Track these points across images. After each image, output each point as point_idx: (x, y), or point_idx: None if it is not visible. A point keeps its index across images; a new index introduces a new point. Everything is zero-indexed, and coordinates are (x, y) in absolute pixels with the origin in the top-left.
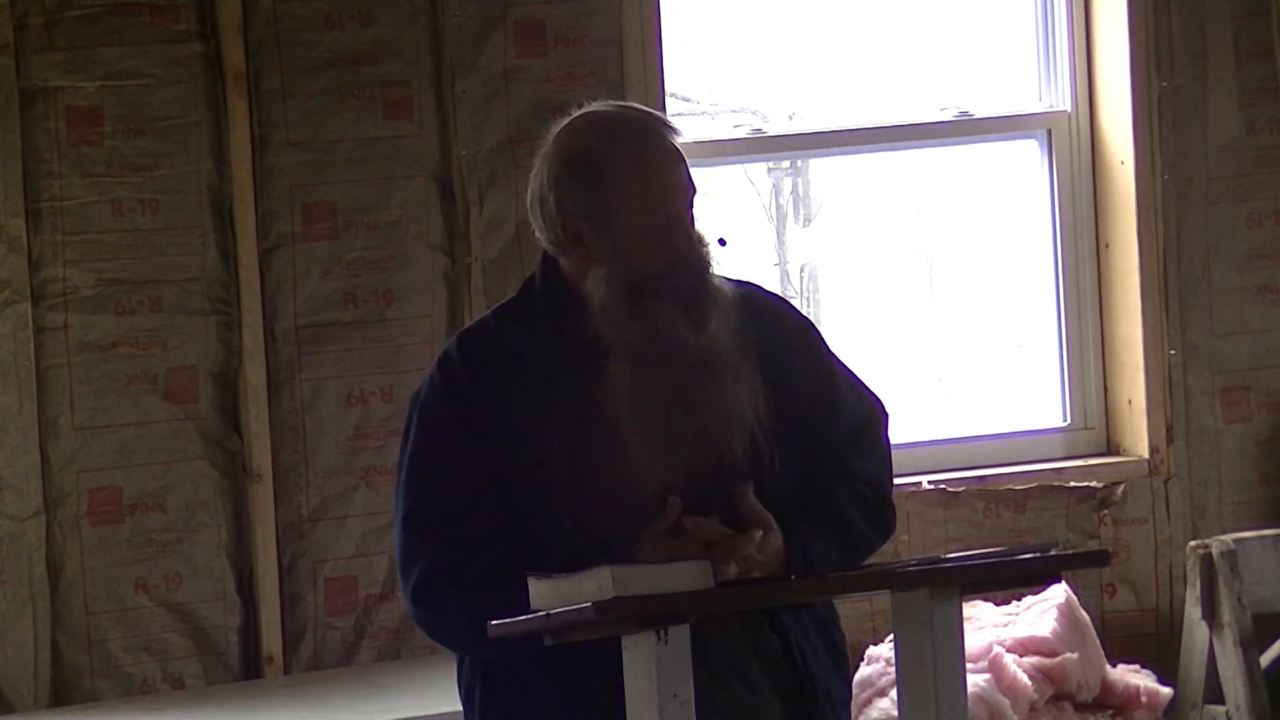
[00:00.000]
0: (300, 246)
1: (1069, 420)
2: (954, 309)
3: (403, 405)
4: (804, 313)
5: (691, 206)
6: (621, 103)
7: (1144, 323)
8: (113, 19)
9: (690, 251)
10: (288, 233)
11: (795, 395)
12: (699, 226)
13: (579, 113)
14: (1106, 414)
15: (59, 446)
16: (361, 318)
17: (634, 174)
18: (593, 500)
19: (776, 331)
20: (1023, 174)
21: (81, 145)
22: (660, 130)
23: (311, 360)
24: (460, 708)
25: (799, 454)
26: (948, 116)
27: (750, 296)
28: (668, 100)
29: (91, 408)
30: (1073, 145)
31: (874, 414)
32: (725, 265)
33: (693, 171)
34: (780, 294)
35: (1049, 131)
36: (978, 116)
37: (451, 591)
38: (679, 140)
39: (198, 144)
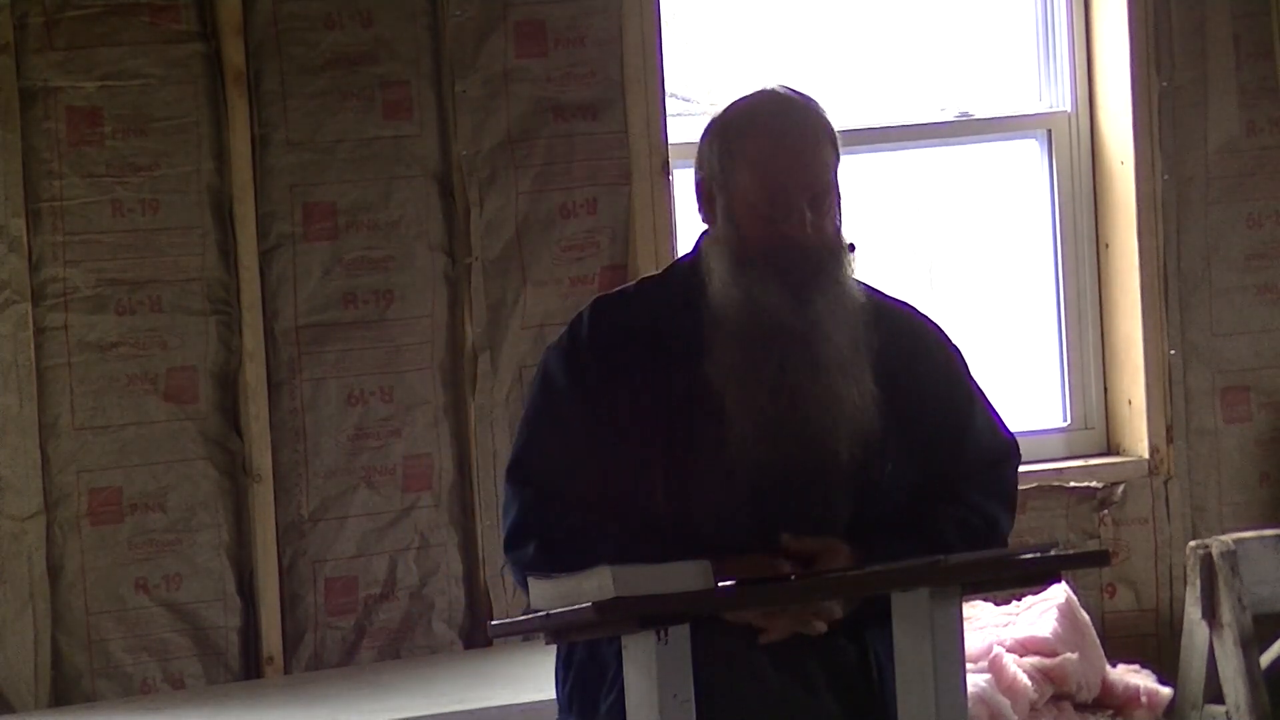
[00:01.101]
0: (300, 246)
1: (1069, 420)
2: (954, 309)
3: (402, 405)
4: (953, 339)
5: (821, 198)
6: (796, 90)
7: (1144, 323)
8: (113, 19)
9: (799, 234)
10: (288, 233)
11: (926, 416)
12: (828, 219)
13: (760, 87)
14: (1106, 414)
15: (59, 446)
16: (361, 318)
17: (761, 152)
18: (687, 475)
19: (917, 350)
20: (1023, 174)
21: (81, 145)
22: (805, 116)
23: (311, 360)
24: (455, 708)
25: (917, 474)
26: (948, 116)
27: (896, 313)
28: (668, 100)
29: (91, 408)
30: (1073, 145)
31: (1005, 452)
32: (861, 269)
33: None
34: (934, 319)
35: (1049, 131)
36: (978, 116)
37: (532, 545)
38: (829, 132)
39: (198, 144)
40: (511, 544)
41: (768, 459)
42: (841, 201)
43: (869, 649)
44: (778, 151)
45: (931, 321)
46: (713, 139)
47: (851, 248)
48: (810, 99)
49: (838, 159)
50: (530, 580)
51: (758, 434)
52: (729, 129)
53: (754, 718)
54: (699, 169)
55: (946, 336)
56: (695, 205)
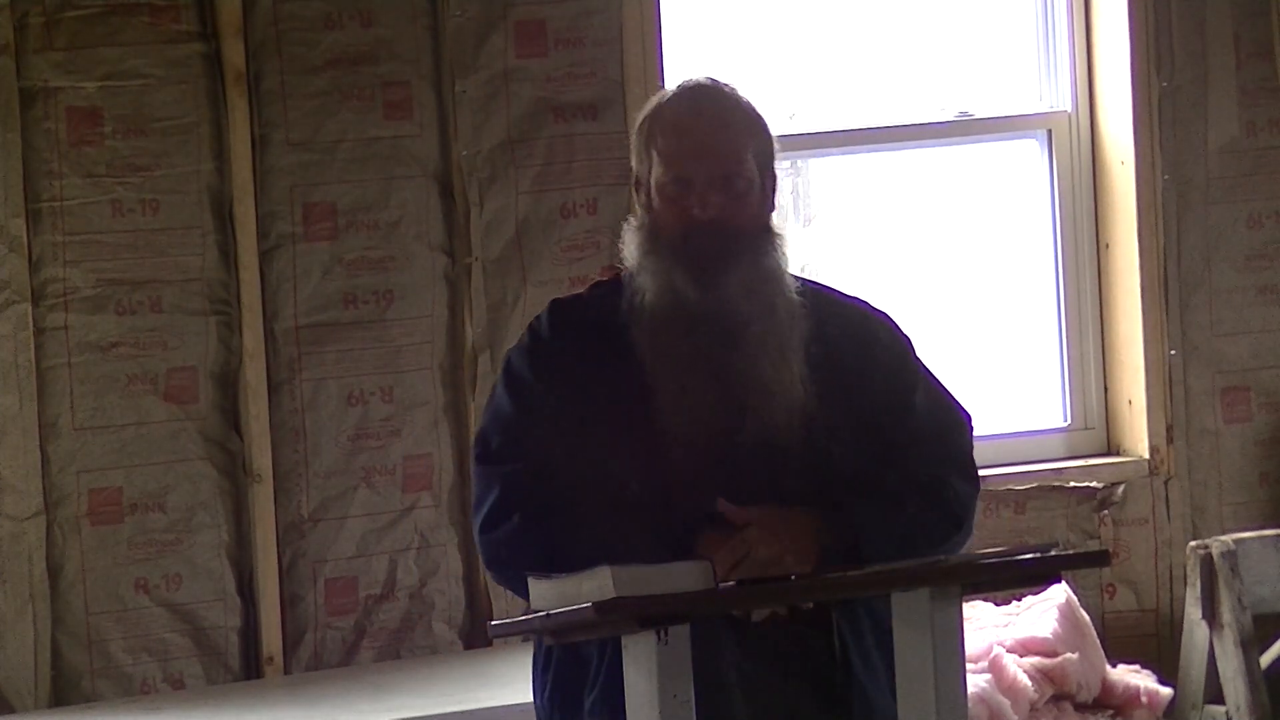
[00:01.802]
0: (300, 246)
1: (1069, 420)
2: (954, 309)
3: (402, 405)
4: (904, 329)
5: (733, 180)
6: (719, 80)
7: (1144, 323)
8: (113, 19)
9: (702, 214)
10: (288, 233)
11: (873, 400)
12: (743, 203)
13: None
14: (1106, 414)
15: (59, 447)
16: (361, 318)
17: (670, 131)
18: (641, 455)
19: (864, 341)
20: (1023, 174)
21: (81, 145)
22: (719, 101)
23: (311, 360)
24: (455, 708)
25: (865, 458)
26: (948, 116)
27: (846, 307)
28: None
29: (91, 408)
30: (1073, 145)
31: (954, 423)
32: (791, 255)
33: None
34: (886, 311)
35: (1049, 131)
36: (978, 116)
37: (516, 517)
38: (747, 117)
39: (198, 144)
40: (492, 522)
41: (701, 435)
42: (772, 187)
43: (834, 633)
44: (685, 134)
45: (881, 314)
46: (638, 133)
47: (768, 230)
48: (730, 87)
49: (763, 145)
50: (530, 580)
51: (678, 408)
52: (648, 120)
53: (729, 708)
54: (631, 160)
55: (896, 326)
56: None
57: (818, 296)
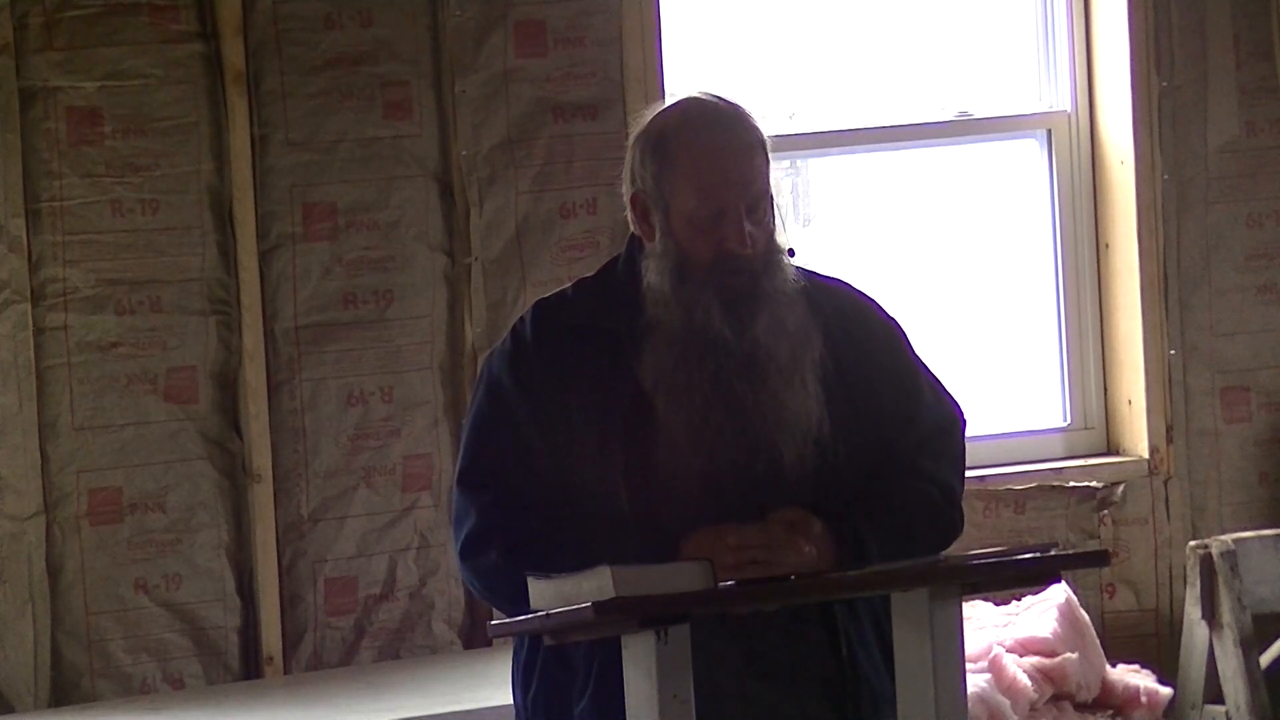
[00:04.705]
0: (300, 246)
1: (1069, 420)
2: (953, 309)
3: (402, 405)
4: (890, 312)
5: (757, 206)
6: (720, 96)
7: (1144, 323)
8: (113, 19)
9: (740, 248)
10: (288, 233)
11: (874, 393)
12: (764, 227)
13: (683, 95)
14: (1106, 414)
15: (59, 446)
16: (361, 318)
17: (694, 161)
18: (636, 477)
19: (858, 329)
20: (1023, 174)
21: (81, 145)
22: (737, 126)
23: (311, 360)
24: (455, 708)
25: (871, 451)
26: (948, 116)
27: (833, 292)
28: (668, 100)
29: (91, 408)
30: (1073, 145)
31: (952, 418)
32: (794, 266)
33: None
34: (869, 293)
35: (1049, 131)
36: (978, 116)
37: (494, 551)
38: (761, 139)
39: (198, 144)
40: (470, 551)
41: (708, 461)
42: (776, 206)
43: (840, 631)
44: (714, 165)
45: (869, 298)
46: (644, 153)
47: (791, 253)
48: (738, 105)
49: (769, 164)
50: (530, 580)
51: (693, 438)
52: (661, 140)
53: (730, 716)
54: (631, 183)
55: (885, 311)
56: (630, 219)
57: (809, 290)
